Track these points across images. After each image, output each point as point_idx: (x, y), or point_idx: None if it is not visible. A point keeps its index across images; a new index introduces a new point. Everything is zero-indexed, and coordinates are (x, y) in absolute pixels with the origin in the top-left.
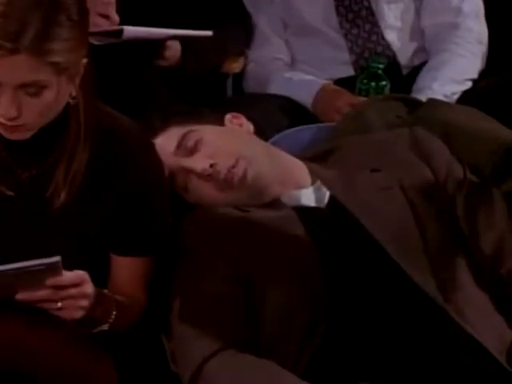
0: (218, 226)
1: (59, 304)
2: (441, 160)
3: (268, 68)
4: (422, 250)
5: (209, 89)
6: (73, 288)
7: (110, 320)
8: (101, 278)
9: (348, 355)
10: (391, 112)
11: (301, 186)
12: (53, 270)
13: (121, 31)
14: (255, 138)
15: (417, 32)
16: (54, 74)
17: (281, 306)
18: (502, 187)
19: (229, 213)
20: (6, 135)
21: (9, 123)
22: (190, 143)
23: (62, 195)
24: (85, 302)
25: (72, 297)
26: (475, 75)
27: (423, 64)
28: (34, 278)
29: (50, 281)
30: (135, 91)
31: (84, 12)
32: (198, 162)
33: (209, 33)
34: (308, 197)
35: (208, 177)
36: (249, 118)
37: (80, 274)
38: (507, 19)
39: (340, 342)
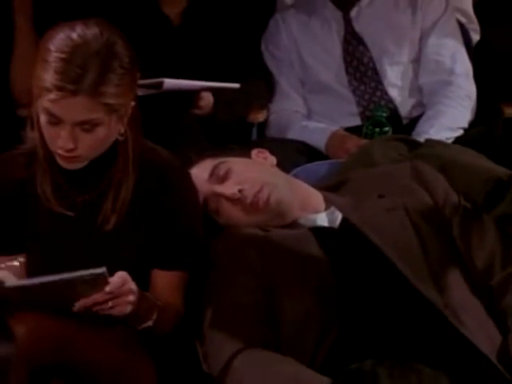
0: (244, 244)
1: (110, 303)
2: (439, 188)
3: (287, 119)
4: (423, 264)
5: (237, 135)
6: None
7: (153, 318)
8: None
9: (357, 353)
10: (393, 150)
11: (317, 211)
12: (101, 279)
13: (161, 83)
14: (277, 170)
15: (415, 89)
16: (106, 113)
17: (298, 312)
18: (492, 213)
19: (253, 232)
20: (64, 165)
21: (66, 154)
22: (222, 172)
23: (112, 217)
24: (132, 297)
25: (119, 294)
26: (466, 124)
27: (421, 116)
28: (83, 287)
29: (100, 293)
30: (174, 135)
31: (134, 62)
32: (228, 188)
33: (236, 85)
34: (322, 219)
35: (236, 201)
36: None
37: (122, 275)
38: (491, 80)
39: (350, 343)
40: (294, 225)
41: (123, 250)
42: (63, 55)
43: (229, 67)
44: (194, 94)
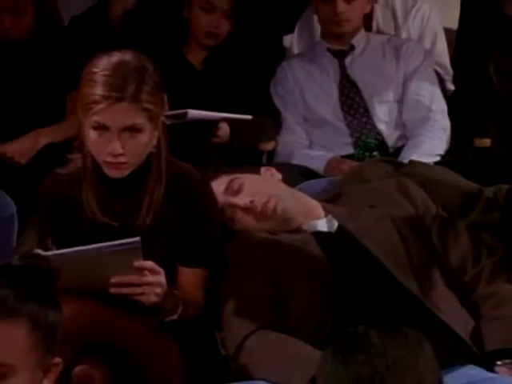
0: (256, 246)
1: (139, 290)
2: (419, 200)
3: (292, 148)
4: (407, 263)
5: (249, 160)
6: (152, 276)
7: (178, 312)
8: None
9: None
10: (381, 169)
11: (317, 218)
12: (134, 249)
13: (185, 114)
14: (283, 184)
15: (400, 123)
16: (146, 119)
17: (301, 302)
18: (465, 220)
19: (263, 236)
20: (110, 173)
21: (114, 160)
22: (235, 186)
23: (147, 220)
24: (159, 290)
25: (151, 283)
26: (442, 152)
27: (404, 145)
28: (118, 258)
29: (138, 263)
30: (197, 159)
31: (162, 80)
32: (241, 200)
33: (249, 117)
34: (322, 225)
35: (248, 210)
36: None
37: (157, 267)
38: (464, 119)
39: (345, 326)
40: (298, 230)
41: (156, 249)
42: (107, 72)
43: (243, 105)
44: (213, 125)
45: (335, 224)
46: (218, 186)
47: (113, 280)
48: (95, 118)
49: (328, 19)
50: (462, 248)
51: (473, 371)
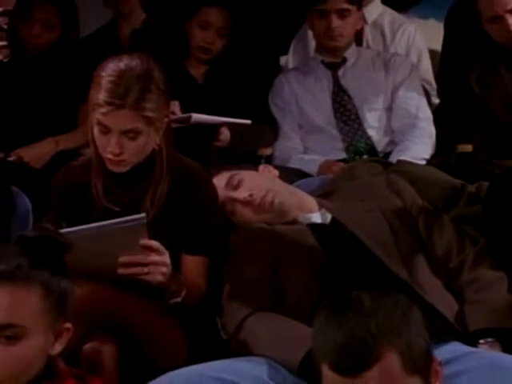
0: (255, 236)
1: (146, 270)
2: (407, 194)
3: (288, 153)
4: (396, 251)
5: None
6: (157, 255)
7: (182, 295)
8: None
9: None
10: (371, 169)
11: (311, 211)
12: (140, 226)
13: (189, 118)
14: (280, 179)
15: (388, 130)
16: (145, 124)
17: (298, 288)
18: (450, 213)
19: (262, 227)
20: (112, 168)
21: (114, 158)
22: (235, 181)
23: (151, 211)
24: (165, 269)
25: (157, 263)
26: (427, 156)
27: (392, 151)
28: (124, 236)
29: (143, 242)
30: (199, 161)
31: (168, 85)
32: (241, 194)
33: (248, 121)
34: (316, 218)
35: (247, 203)
36: None
37: (162, 247)
38: (448, 127)
39: None
40: (294, 222)
41: (160, 237)
42: (112, 78)
43: (242, 115)
44: (215, 130)
45: (328, 217)
46: (219, 181)
47: (120, 259)
48: (99, 118)
49: (323, 34)
50: (446, 238)
51: (456, 347)
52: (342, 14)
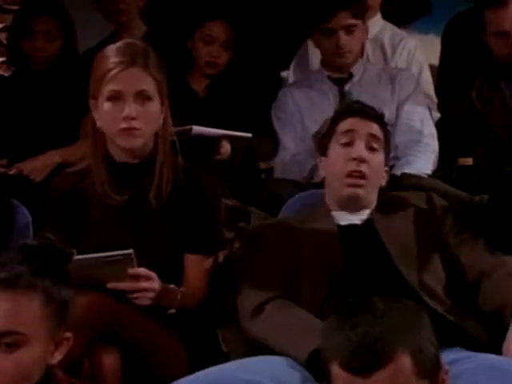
0: (281, 229)
1: (134, 295)
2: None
3: (288, 167)
4: (415, 258)
5: (249, 178)
6: (145, 282)
7: (175, 306)
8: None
9: None
10: None
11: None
12: (128, 260)
13: (190, 130)
14: None
15: (393, 145)
16: (155, 88)
17: (311, 282)
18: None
19: (288, 223)
20: (125, 143)
21: (128, 125)
22: None
23: (154, 205)
24: (152, 295)
25: (145, 289)
26: (429, 172)
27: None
28: (114, 267)
29: (132, 271)
30: None
31: (161, 59)
32: None
33: (249, 134)
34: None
35: None
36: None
37: (151, 273)
38: (449, 141)
39: None
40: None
41: (162, 235)
42: (118, 47)
43: (243, 129)
44: (216, 143)
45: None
46: None
47: (109, 285)
48: (109, 87)
49: (331, 52)
50: (476, 257)
51: (458, 351)
52: (349, 29)
